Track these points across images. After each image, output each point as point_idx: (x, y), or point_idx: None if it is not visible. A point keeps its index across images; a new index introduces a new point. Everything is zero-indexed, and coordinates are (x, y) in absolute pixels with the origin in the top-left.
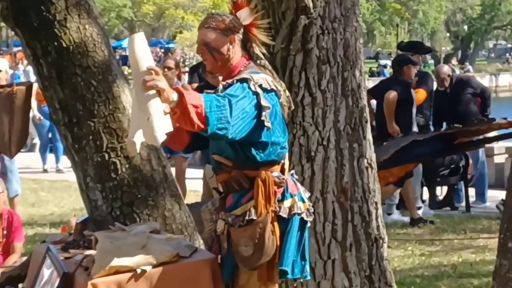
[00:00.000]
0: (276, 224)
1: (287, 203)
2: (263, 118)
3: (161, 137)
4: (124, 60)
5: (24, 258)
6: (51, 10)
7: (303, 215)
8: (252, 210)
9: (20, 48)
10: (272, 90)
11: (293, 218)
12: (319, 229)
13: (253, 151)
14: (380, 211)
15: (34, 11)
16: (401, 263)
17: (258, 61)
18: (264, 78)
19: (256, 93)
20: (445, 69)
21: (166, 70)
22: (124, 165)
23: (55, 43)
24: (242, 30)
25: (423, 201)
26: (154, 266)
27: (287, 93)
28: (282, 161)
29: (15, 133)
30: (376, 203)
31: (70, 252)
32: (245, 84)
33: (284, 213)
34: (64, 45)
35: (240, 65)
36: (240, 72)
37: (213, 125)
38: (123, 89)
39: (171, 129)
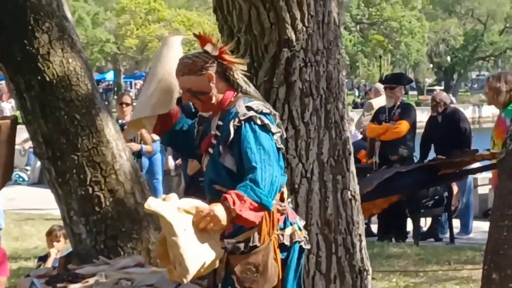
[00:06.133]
0: (278, 251)
1: (288, 230)
2: (279, 145)
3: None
4: (107, 92)
5: None
6: (34, 44)
7: (302, 243)
8: (256, 236)
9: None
10: (270, 112)
11: (294, 246)
12: (303, 261)
13: None
14: (364, 243)
15: (18, 45)
16: None
17: (242, 89)
18: (260, 103)
19: (266, 126)
20: (443, 95)
21: (124, 106)
22: (108, 198)
23: (39, 77)
24: (215, 61)
25: (407, 233)
26: None
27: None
28: (282, 189)
29: (0, 167)
30: (360, 235)
31: (54, 286)
32: (252, 126)
33: (286, 241)
34: (48, 79)
35: (229, 97)
36: (231, 103)
37: (270, 203)
38: (107, 123)
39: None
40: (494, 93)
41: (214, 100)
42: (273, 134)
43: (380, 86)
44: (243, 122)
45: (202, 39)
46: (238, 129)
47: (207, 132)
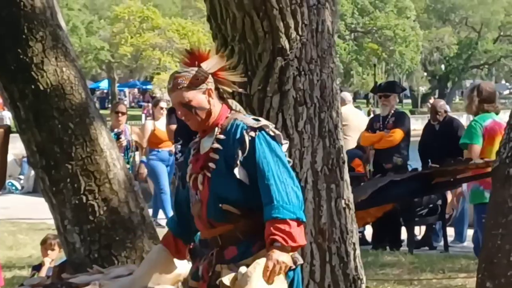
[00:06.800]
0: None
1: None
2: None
3: None
4: (102, 101)
5: None
6: (28, 53)
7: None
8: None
9: None
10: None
11: (297, 269)
12: None
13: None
14: (358, 251)
15: (11, 54)
16: None
17: (234, 105)
18: (260, 118)
19: (276, 137)
20: (442, 103)
21: (120, 115)
22: (101, 207)
23: (32, 86)
24: (212, 77)
25: (401, 241)
26: None
27: None
28: None
29: None
30: (354, 243)
31: None
32: (265, 136)
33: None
34: (41, 88)
35: (225, 113)
36: (228, 118)
37: (303, 215)
38: (101, 132)
39: None
40: (469, 102)
41: (211, 117)
42: (281, 144)
43: (346, 95)
44: (257, 132)
45: (200, 56)
46: (252, 140)
47: (189, 157)
